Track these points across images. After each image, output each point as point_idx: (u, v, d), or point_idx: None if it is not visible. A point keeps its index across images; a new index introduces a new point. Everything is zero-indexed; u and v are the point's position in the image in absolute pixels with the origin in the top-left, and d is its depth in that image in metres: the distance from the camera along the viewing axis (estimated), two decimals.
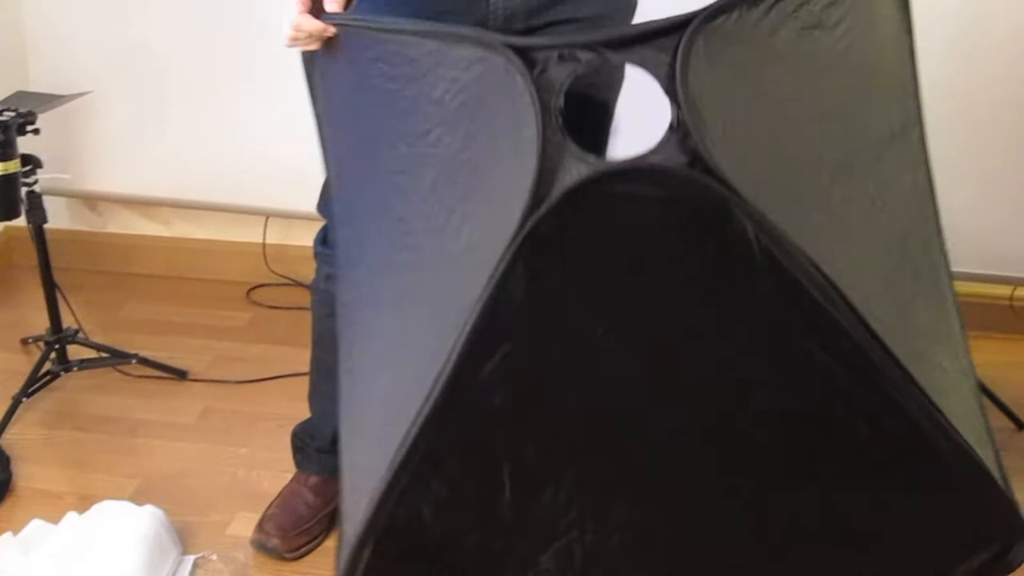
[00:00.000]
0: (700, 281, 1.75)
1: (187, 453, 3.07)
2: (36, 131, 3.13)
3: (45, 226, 3.23)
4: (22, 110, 3.10)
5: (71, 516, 2.68)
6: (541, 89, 1.67)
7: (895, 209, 1.97)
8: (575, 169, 1.65)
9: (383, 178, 1.96)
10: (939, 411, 1.82)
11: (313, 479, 2.73)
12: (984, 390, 3.08)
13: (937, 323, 2.06)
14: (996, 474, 1.94)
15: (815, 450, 1.87)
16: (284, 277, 3.92)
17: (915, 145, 2.07)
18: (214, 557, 2.66)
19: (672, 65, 1.65)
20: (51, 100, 3.30)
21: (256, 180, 3.68)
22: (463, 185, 1.80)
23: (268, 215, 3.85)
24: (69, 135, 3.81)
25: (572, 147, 1.66)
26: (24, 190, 3.15)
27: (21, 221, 3.21)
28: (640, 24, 1.75)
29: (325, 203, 2.37)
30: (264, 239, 3.92)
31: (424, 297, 1.87)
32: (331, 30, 1.94)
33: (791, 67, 1.84)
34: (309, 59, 2.18)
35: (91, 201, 4.11)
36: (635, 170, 1.67)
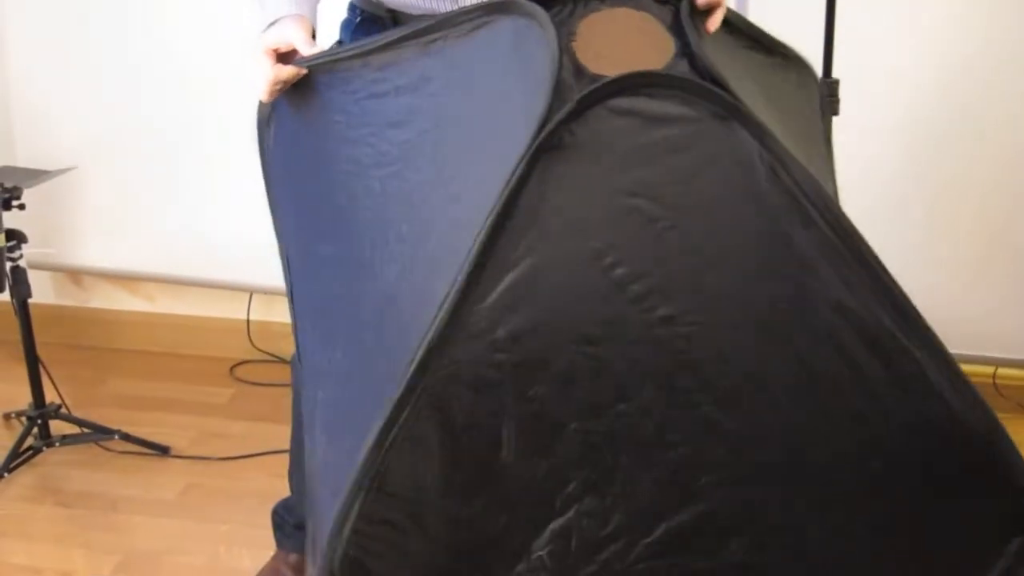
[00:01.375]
0: (703, 189, 1.74)
1: (168, 530, 3.05)
2: (21, 206, 3.13)
3: (29, 301, 3.23)
4: (8, 185, 3.11)
5: None
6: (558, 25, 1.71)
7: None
8: (587, 81, 1.68)
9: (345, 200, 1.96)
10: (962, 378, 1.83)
11: (293, 557, 2.71)
12: None
13: None
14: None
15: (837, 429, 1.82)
16: (268, 353, 3.92)
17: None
18: None
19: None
20: (37, 175, 3.31)
21: (240, 256, 3.68)
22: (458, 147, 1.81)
23: (252, 291, 3.85)
24: (54, 210, 3.81)
25: (587, 71, 1.68)
26: (8, 265, 3.16)
27: (5, 295, 3.21)
28: None
29: None
30: (248, 315, 3.92)
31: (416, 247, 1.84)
32: (303, 71, 1.97)
33: (755, 80, 1.90)
34: (266, 118, 2.18)
35: (75, 276, 4.11)
36: (644, 77, 1.69)
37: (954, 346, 3.50)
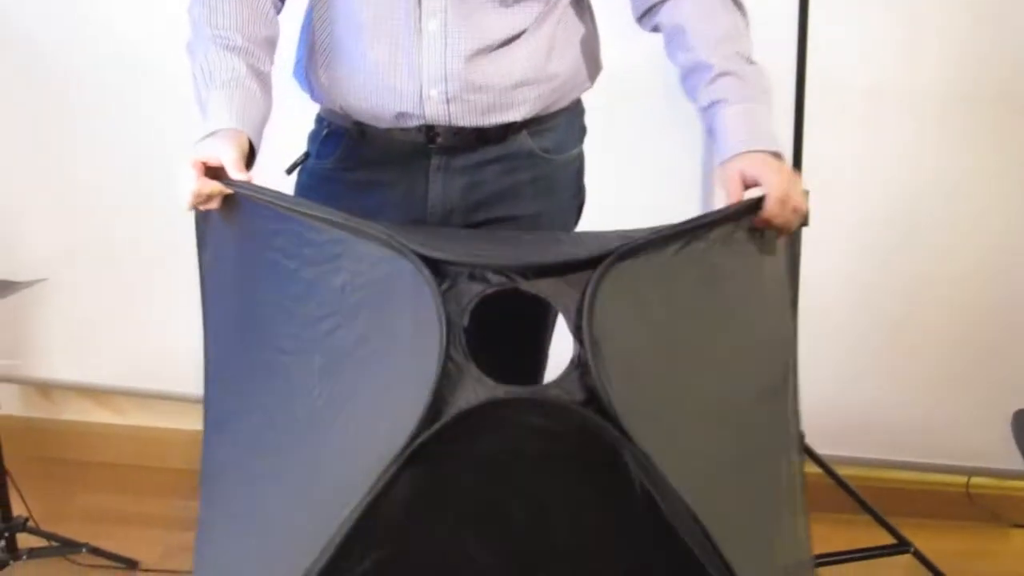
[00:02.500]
0: (578, 508, 1.79)
1: None
2: None
3: None
4: None
5: None
6: (448, 304, 1.69)
7: (759, 452, 2.00)
8: (472, 391, 1.67)
9: (267, 353, 1.97)
10: None
11: None
12: None
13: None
14: None
15: None
16: None
17: (788, 398, 2.10)
18: None
19: (580, 303, 1.69)
20: (5, 287, 3.29)
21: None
22: (351, 383, 1.80)
23: None
24: (22, 322, 3.80)
25: (473, 370, 1.68)
26: None
27: None
28: (553, 255, 1.81)
29: None
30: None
31: (296, 485, 1.87)
32: (227, 190, 1.97)
33: (688, 313, 1.88)
34: (202, 219, 2.16)
35: (44, 388, 4.09)
36: (531, 401, 1.70)
37: (925, 456, 3.55)
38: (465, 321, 1.71)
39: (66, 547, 3.37)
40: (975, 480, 3.65)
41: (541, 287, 1.72)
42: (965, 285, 3.41)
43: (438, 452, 1.67)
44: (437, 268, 1.71)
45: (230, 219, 2.04)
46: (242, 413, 2.05)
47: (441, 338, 1.66)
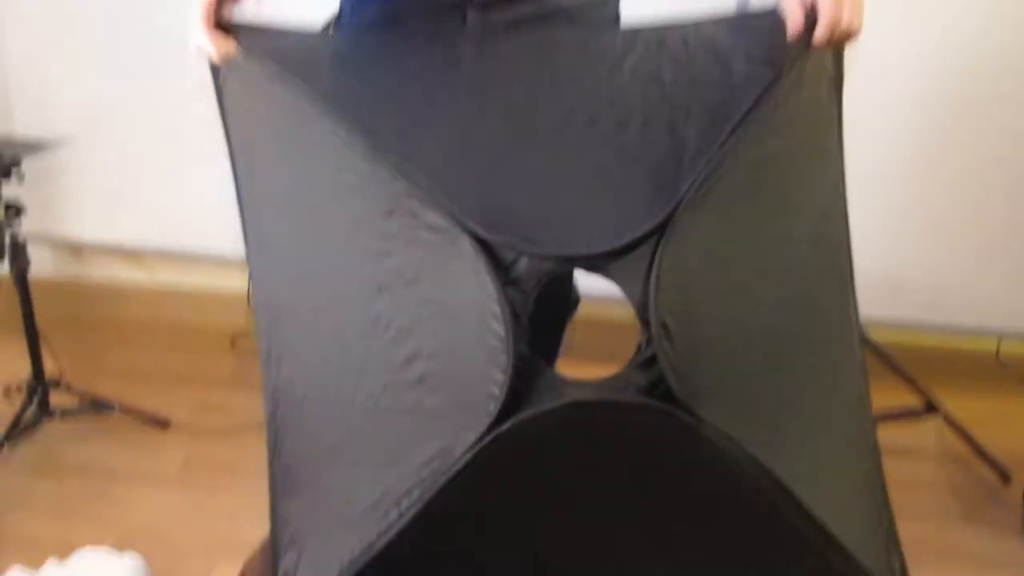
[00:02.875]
0: (654, 490, 1.78)
1: (168, 502, 3.05)
2: (21, 178, 3.11)
3: (28, 274, 3.22)
4: (6, 156, 3.09)
5: (51, 564, 2.65)
6: (511, 295, 1.67)
7: (824, 306, 1.97)
8: (543, 393, 1.66)
9: (319, 257, 1.95)
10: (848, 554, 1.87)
11: None
12: (971, 442, 3.09)
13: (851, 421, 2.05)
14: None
15: None
16: None
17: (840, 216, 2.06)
18: None
19: (646, 283, 1.65)
20: (36, 147, 3.29)
21: (239, 228, 3.67)
22: (415, 329, 1.79)
23: None
24: (54, 182, 3.80)
25: (542, 366, 1.66)
26: (7, 237, 3.14)
27: (4, 268, 3.19)
28: (613, 231, 1.71)
29: None
30: (248, 287, 3.90)
31: (373, 407, 1.86)
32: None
33: (749, 225, 1.84)
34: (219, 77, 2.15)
35: (75, 249, 4.10)
36: (606, 403, 1.68)
37: (957, 318, 3.53)
38: (529, 310, 1.69)
39: (98, 406, 3.40)
40: (1005, 344, 3.64)
41: (609, 271, 1.69)
42: (998, 145, 3.37)
43: (510, 443, 1.67)
44: (491, 250, 1.69)
45: (254, 71, 2.00)
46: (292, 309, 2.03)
47: (507, 334, 1.64)
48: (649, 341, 1.65)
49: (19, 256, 3.18)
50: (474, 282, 1.67)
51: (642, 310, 1.66)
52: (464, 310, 1.70)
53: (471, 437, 1.66)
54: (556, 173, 1.84)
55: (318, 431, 2.01)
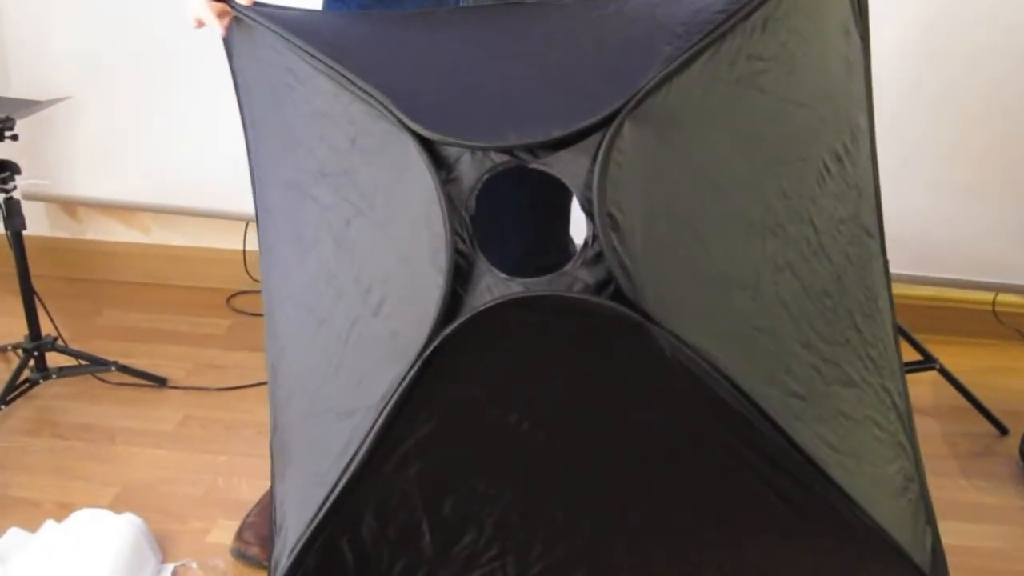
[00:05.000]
0: (613, 383, 1.74)
1: (166, 461, 3.05)
2: (15, 137, 3.11)
3: (24, 233, 3.21)
4: (0, 115, 3.08)
5: (49, 524, 2.66)
6: (452, 194, 1.65)
7: (831, 248, 1.93)
8: (485, 287, 1.65)
9: (293, 186, 1.96)
10: (855, 504, 1.84)
11: None
12: (967, 396, 3.10)
13: (866, 373, 2.01)
14: (912, 549, 1.97)
15: (734, 512, 1.88)
16: None
17: (863, 158, 2.02)
18: (193, 565, 2.64)
19: (590, 174, 1.61)
20: (30, 106, 3.28)
21: (235, 186, 3.63)
22: (374, 253, 1.78)
23: (247, 221, 3.82)
24: (48, 141, 3.79)
25: (483, 262, 1.65)
26: (2, 196, 3.13)
27: None
28: (560, 124, 1.66)
29: None
30: (244, 245, 3.90)
31: (342, 351, 1.86)
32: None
33: (721, 130, 1.78)
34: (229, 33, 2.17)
35: (70, 207, 4.09)
36: (543, 297, 1.65)
37: (953, 271, 3.53)
38: (471, 208, 1.67)
39: (95, 365, 3.40)
40: (1001, 297, 3.64)
41: (548, 162, 1.65)
42: (996, 95, 3.35)
43: (462, 341, 1.65)
44: (433, 150, 1.68)
45: (249, 35, 2.01)
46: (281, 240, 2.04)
47: (446, 230, 1.62)
48: (595, 236, 1.62)
49: (14, 216, 3.17)
50: (419, 184, 1.67)
51: (585, 201, 1.63)
52: (412, 216, 1.70)
53: (416, 349, 1.65)
54: (518, 82, 1.83)
55: (296, 393, 2.01)
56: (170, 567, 2.64)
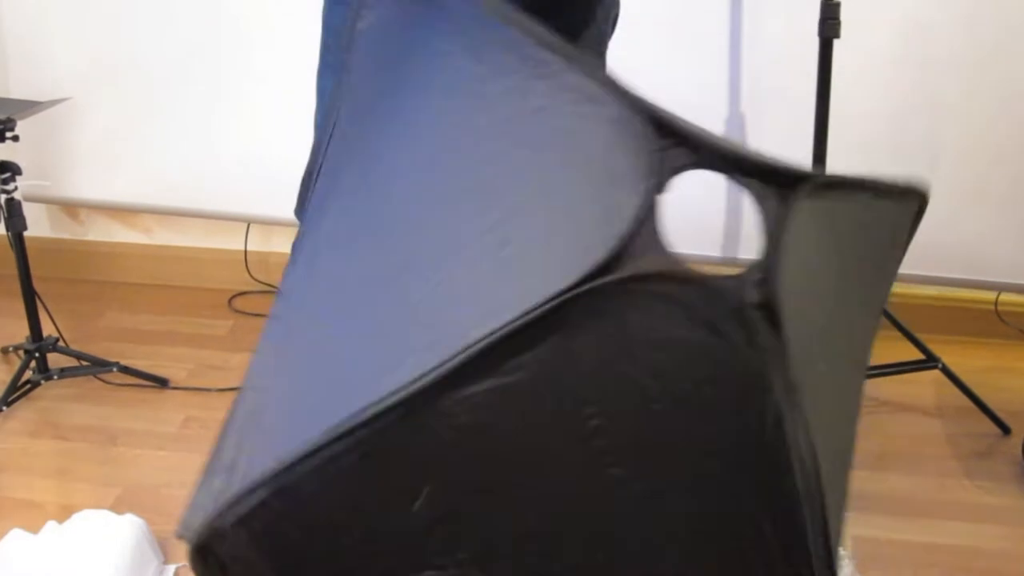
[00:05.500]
0: (697, 412, 1.72)
1: (168, 462, 3.05)
2: (15, 138, 3.11)
3: (25, 234, 3.21)
4: (1, 116, 3.08)
5: (51, 526, 2.65)
6: (656, 168, 1.63)
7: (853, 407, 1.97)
8: (651, 258, 1.62)
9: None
10: None
11: None
12: (970, 395, 3.10)
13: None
14: None
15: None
16: (266, 284, 3.91)
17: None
18: None
19: (780, 209, 1.61)
20: (30, 106, 3.28)
21: (237, 187, 3.67)
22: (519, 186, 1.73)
23: (249, 222, 3.83)
24: (49, 142, 3.79)
25: (662, 240, 1.63)
26: (3, 197, 3.14)
27: (0, 229, 3.19)
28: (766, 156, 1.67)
29: (302, 207, 2.33)
30: (245, 246, 3.90)
31: (417, 263, 1.78)
32: None
33: (836, 256, 1.81)
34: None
35: (72, 209, 4.09)
36: (710, 288, 1.63)
37: (956, 271, 3.53)
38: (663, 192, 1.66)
39: (97, 366, 3.40)
40: (1004, 297, 3.64)
41: (746, 183, 1.66)
42: (1002, 95, 3.35)
43: (598, 303, 1.62)
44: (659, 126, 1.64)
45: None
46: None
47: (647, 192, 1.61)
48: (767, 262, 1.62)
49: (15, 217, 3.17)
50: (618, 138, 1.62)
51: (774, 227, 1.63)
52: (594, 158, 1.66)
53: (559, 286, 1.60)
54: None
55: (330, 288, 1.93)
56: (172, 568, 2.64)
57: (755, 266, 1.63)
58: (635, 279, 1.58)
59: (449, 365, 1.54)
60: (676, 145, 1.63)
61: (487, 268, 1.65)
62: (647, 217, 1.59)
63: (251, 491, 1.55)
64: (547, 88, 1.70)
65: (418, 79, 1.87)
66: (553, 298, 1.54)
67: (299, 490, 1.60)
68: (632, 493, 1.69)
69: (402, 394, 1.55)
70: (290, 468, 1.57)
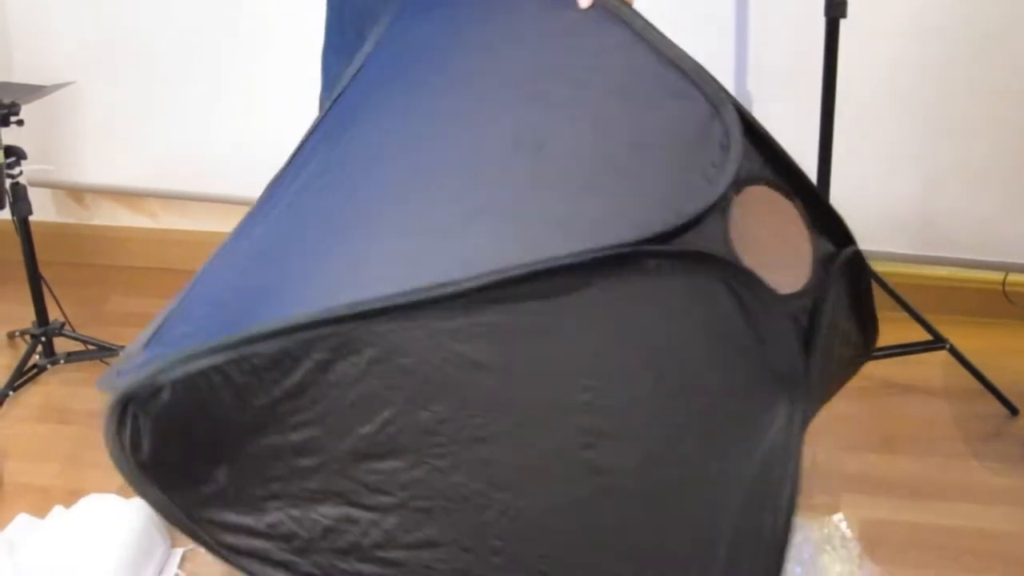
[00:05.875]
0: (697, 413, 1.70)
1: None
2: (20, 122, 3.10)
3: (30, 219, 3.20)
4: (5, 101, 3.07)
5: (58, 510, 2.66)
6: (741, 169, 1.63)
7: None
8: (717, 244, 1.61)
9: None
10: None
11: None
12: (978, 376, 3.09)
13: None
14: None
15: None
16: None
17: None
18: (202, 550, 2.63)
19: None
20: (34, 91, 3.27)
21: (241, 170, 3.65)
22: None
23: (254, 205, 3.82)
24: (54, 126, 3.78)
25: (726, 233, 1.62)
26: (8, 182, 3.13)
27: (6, 213, 3.18)
28: None
29: None
30: None
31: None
32: None
33: None
34: None
35: (77, 193, 4.08)
36: (764, 288, 1.63)
37: (963, 251, 3.52)
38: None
39: (103, 350, 3.40)
40: (1012, 277, 3.62)
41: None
42: (1012, 75, 3.34)
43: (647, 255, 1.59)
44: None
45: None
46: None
47: (727, 185, 1.60)
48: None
49: (20, 202, 3.16)
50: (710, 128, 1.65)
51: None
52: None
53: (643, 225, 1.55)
54: None
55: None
56: (179, 552, 2.64)
57: (806, 292, 1.63)
58: (698, 256, 1.57)
59: (474, 283, 1.49)
60: (764, 159, 1.64)
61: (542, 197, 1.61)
62: (720, 207, 1.59)
63: (209, 353, 1.48)
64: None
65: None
66: (606, 249, 1.52)
67: (254, 365, 1.50)
68: (598, 482, 1.64)
69: (412, 298, 1.49)
70: (256, 341, 1.49)
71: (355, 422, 1.54)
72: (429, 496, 1.59)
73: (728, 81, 3.38)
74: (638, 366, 1.62)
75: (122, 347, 3.36)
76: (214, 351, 1.48)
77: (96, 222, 4.13)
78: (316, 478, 1.58)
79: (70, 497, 2.72)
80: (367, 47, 1.98)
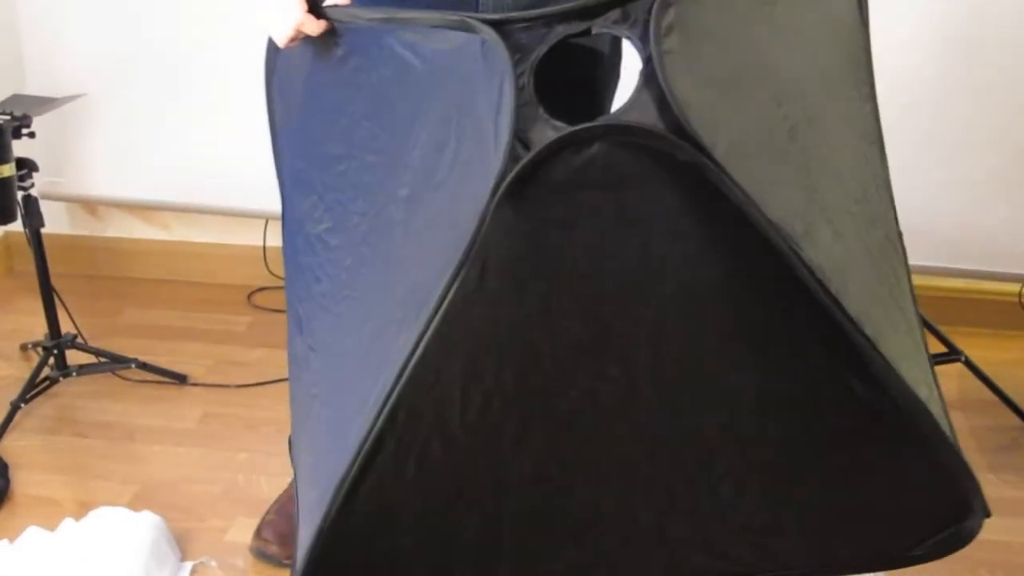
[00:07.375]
0: (677, 228, 1.70)
1: (186, 458, 3.04)
2: (32, 134, 3.10)
3: (43, 231, 3.20)
4: (17, 113, 3.07)
5: (68, 523, 2.66)
6: (515, 59, 1.61)
7: (853, 168, 1.95)
8: (544, 134, 1.61)
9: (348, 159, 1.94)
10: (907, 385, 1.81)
11: None
12: (993, 388, 3.08)
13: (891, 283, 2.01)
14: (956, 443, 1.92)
15: (791, 405, 1.84)
16: (284, 280, 3.90)
17: (869, 118, 2.03)
18: (213, 563, 2.63)
19: (647, 16, 1.59)
20: (47, 103, 3.27)
21: (255, 183, 3.63)
22: (438, 167, 1.75)
23: (268, 218, 3.81)
24: (66, 138, 3.79)
25: (542, 114, 1.61)
26: (20, 194, 3.13)
27: (18, 226, 3.19)
28: None
29: None
30: (264, 242, 3.88)
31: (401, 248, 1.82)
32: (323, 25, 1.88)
33: (751, 31, 1.79)
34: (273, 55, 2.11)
35: (89, 205, 4.09)
36: (606, 128, 1.62)
37: (978, 263, 3.50)
38: (532, 69, 1.65)
39: (115, 363, 3.40)
40: None
41: (604, 23, 1.64)
42: (1020, 87, 3.33)
43: (529, 196, 1.61)
44: (502, 30, 1.63)
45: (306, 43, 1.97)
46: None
47: (512, 89, 1.59)
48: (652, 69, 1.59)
49: (33, 214, 3.17)
50: (487, 59, 1.64)
51: (643, 32, 1.61)
52: (477, 91, 1.67)
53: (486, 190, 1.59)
54: None
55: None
56: (189, 565, 2.64)
57: (639, 84, 1.62)
58: (538, 157, 1.59)
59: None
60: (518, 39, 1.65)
61: None
62: (522, 112, 1.60)
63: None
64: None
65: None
66: None
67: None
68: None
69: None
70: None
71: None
72: None
73: None
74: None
75: (135, 359, 3.36)
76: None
77: (109, 234, 4.14)
78: None
79: (80, 509, 2.72)
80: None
